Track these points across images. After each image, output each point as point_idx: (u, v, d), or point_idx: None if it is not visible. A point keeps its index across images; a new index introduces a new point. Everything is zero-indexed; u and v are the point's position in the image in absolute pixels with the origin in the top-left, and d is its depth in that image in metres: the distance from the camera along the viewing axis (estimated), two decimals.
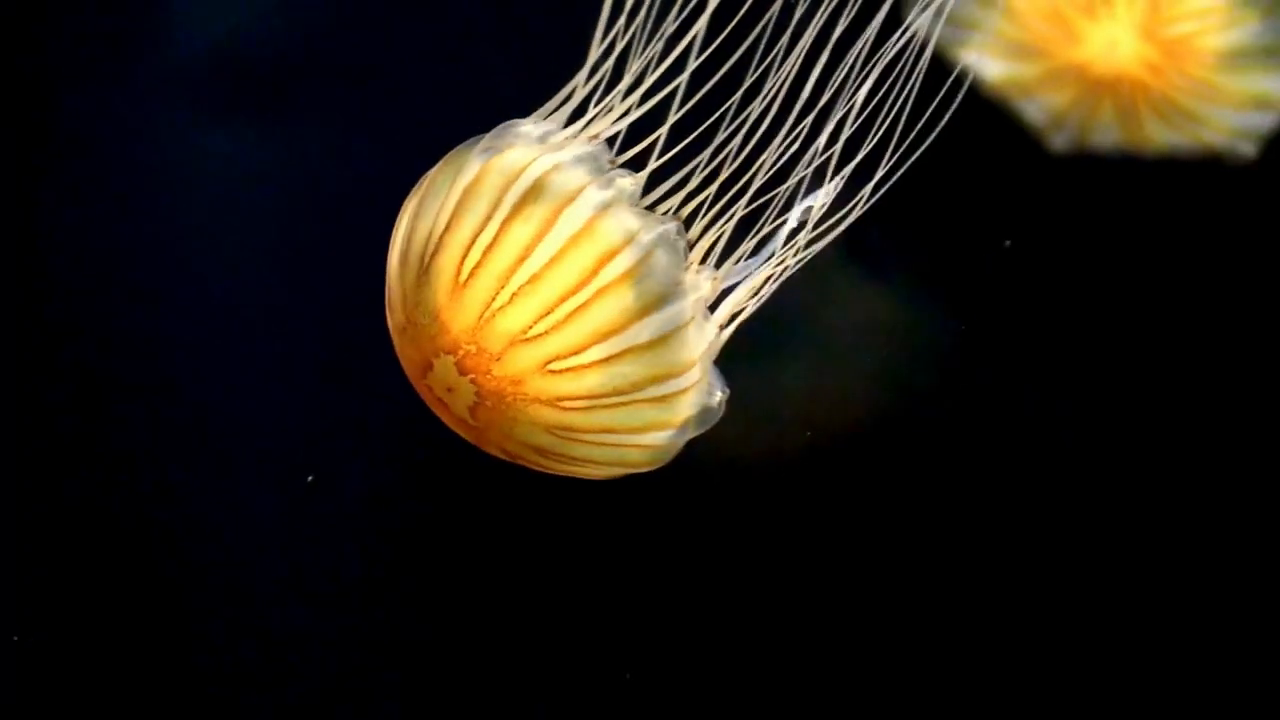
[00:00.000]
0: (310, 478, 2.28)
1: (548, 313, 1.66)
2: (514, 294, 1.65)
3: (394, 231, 1.75)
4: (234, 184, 2.30)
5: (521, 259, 1.65)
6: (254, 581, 2.34)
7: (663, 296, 1.70)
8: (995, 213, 2.36)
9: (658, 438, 1.75)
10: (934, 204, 2.34)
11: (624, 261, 1.68)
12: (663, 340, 1.71)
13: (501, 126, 1.77)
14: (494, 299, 1.65)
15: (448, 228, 1.67)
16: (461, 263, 1.67)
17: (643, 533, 2.32)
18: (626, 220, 1.69)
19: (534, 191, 1.67)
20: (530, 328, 1.67)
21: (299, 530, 2.34)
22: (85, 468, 2.32)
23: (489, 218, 1.66)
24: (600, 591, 2.34)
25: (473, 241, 1.66)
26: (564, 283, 1.66)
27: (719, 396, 1.81)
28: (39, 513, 2.32)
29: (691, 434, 1.82)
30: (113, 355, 2.30)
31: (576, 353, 1.68)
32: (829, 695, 2.34)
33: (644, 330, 1.69)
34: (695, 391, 1.74)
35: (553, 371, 1.69)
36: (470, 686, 2.35)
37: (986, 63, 2.28)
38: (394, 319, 1.73)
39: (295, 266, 2.33)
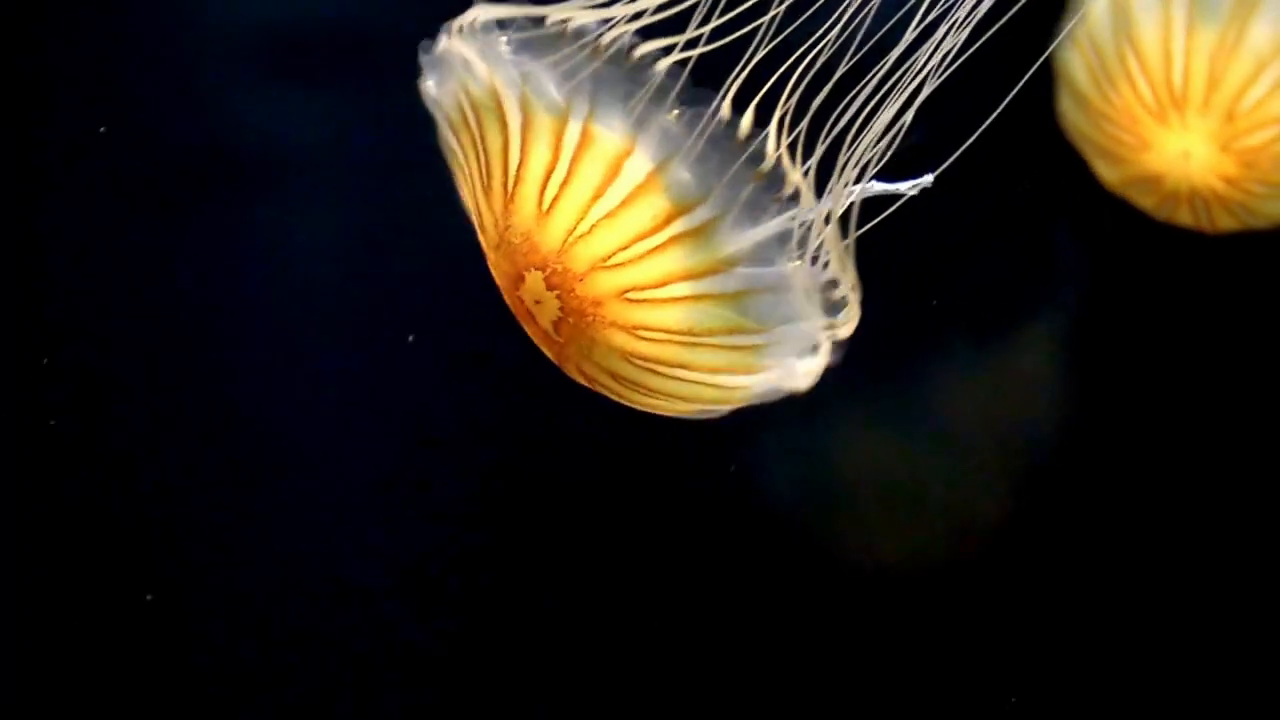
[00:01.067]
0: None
1: (625, 247, 1.68)
2: (593, 225, 1.67)
3: (466, 161, 1.75)
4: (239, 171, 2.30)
5: (595, 196, 1.66)
6: (254, 581, 2.33)
7: (753, 254, 1.70)
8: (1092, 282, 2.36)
9: (735, 381, 1.76)
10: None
11: (700, 215, 1.68)
12: (748, 294, 1.71)
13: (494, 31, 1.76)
14: (575, 227, 1.68)
15: (521, 162, 1.69)
16: (541, 194, 1.69)
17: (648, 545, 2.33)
18: (683, 174, 1.70)
19: (587, 140, 1.68)
20: (610, 257, 1.69)
21: (299, 530, 2.34)
22: (85, 468, 2.32)
23: (555, 157, 1.68)
24: (601, 593, 2.35)
25: (547, 178, 1.67)
26: (638, 224, 1.67)
27: (814, 362, 1.79)
28: (39, 513, 2.32)
29: (778, 393, 1.82)
30: (113, 355, 2.30)
31: (656, 286, 1.70)
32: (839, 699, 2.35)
33: (729, 281, 1.70)
34: (780, 349, 1.73)
35: (631, 300, 1.71)
36: (470, 686, 2.35)
37: (1095, 162, 2.19)
38: (486, 237, 1.75)
39: (296, 266, 2.33)
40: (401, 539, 2.35)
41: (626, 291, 1.70)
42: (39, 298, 2.27)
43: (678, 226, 1.68)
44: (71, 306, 2.28)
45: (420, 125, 1.77)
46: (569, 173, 1.68)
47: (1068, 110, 2.18)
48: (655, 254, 1.68)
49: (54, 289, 2.27)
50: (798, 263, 1.69)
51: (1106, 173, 2.18)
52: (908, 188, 1.72)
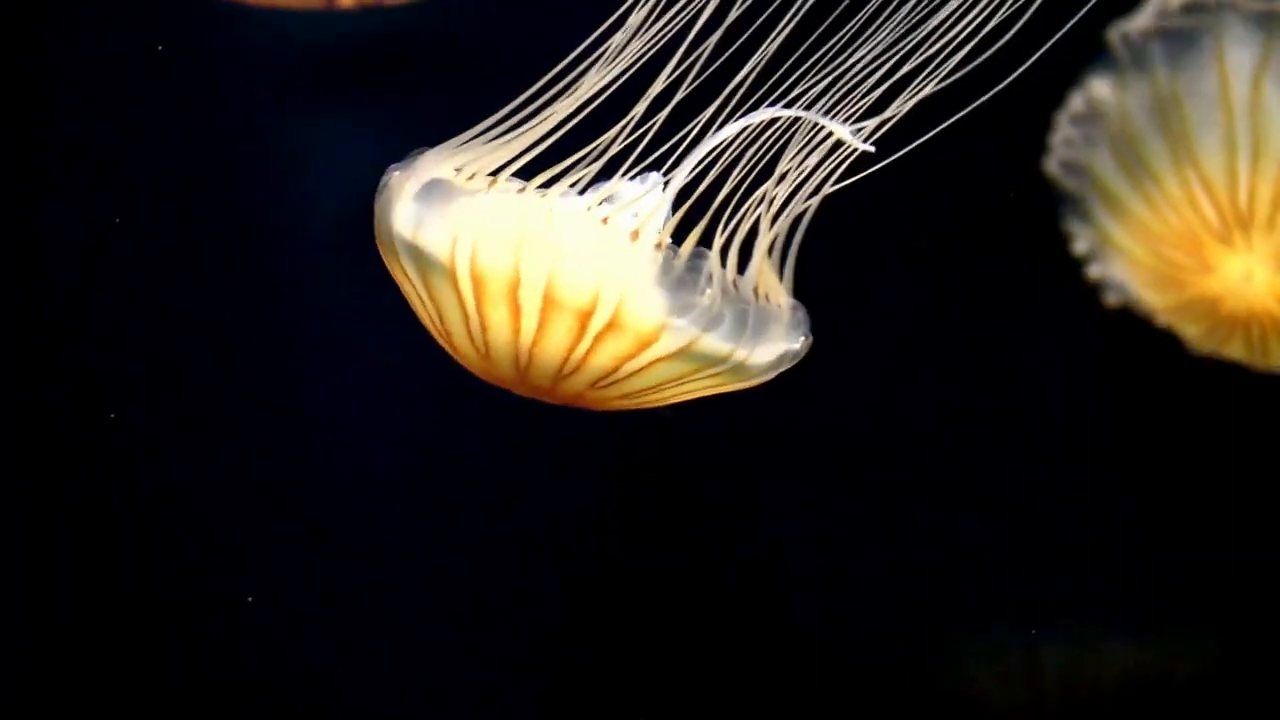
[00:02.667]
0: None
1: (603, 378, 1.73)
2: (583, 362, 1.72)
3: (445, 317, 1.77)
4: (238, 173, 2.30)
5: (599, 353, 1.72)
6: (254, 581, 2.34)
7: (675, 309, 1.72)
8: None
9: (732, 384, 1.80)
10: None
11: (668, 344, 1.71)
12: (690, 347, 1.73)
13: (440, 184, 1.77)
14: (567, 370, 1.73)
15: (537, 339, 1.72)
16: (561, 367, 1.73)
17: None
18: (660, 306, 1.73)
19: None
20: (595, 382, 1.74)
21: (299, 530, 2.34)
22: (85, 468, 2.32)
23: (578, 338, 1.72)
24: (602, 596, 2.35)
25: (568, 354, 1.71)
26: (618, 351, 1.72)
27: (794, 347, 1.81)
28: (39, 513, 2.32)
29: (772, 373, 1.84)
30: (113, 355, 2.30)
31: (614, 372, 1.73)
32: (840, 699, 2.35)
33: (671, 339, 1.72)
34: (755, 352, 1.75)
35: (602, 386, 1.74)
36: (470, 686, 2.35)
37: (1123, 285, 2.18)
38: (468, 358, 1.77)
39: (293, 265, 2.33)
40: (402, 538, 2.36)
41: (595, 384, 1.73)
42: (39, 298, 2.27)
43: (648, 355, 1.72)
44: (71, 306, 2.28)
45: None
46: (588, 351, 1.70)
47: (1111, 236, 2.17)
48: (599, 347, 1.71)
49: (54, 289, 2.27)
50: (712, 292, 1.71)
51: (1153, 296, 2.15)
52: (847, 134, 1.71)
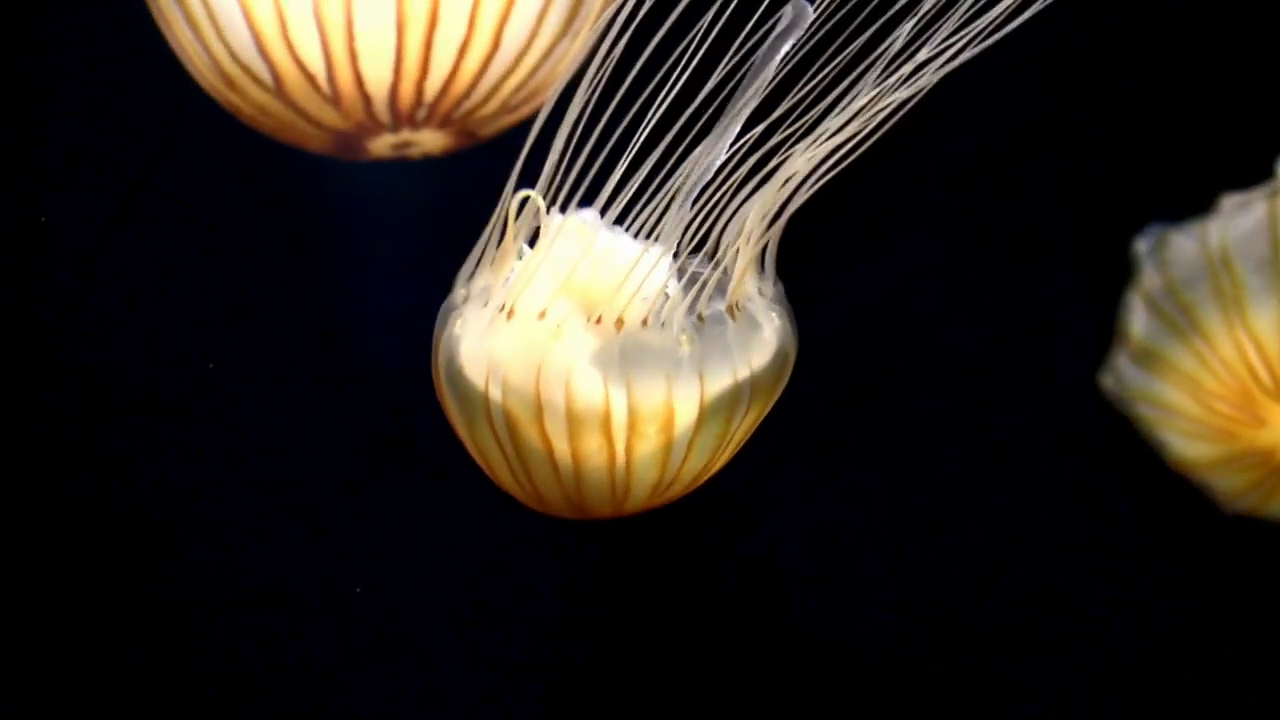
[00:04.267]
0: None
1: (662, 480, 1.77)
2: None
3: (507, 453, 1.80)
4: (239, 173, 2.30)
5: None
6: (254, 581, 2.34)
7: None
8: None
9: (764, 405, 1.82)
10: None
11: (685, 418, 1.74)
12: (711, 413, 1.76)
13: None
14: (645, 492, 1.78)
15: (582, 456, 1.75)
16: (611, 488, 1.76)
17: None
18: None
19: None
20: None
21: (299, 530, 2.34)
22: (85, 468, 2.32)
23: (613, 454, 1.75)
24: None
25: (612, 466, 1.74)
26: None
27: (774, 327, 1.82)
28: (39, 513, 2.32)
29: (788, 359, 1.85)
30: (113, 355, 2.29)
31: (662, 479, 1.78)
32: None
33: (684, 420, 1.75)
34: (759, 368, 1.77)
35: (660, 494, 1.79)
36: (470, 686, 2.35)
37: (1173, 441, 2.20)
38: (524, 491, 1.81)
39: (292, 259, 2.33)
40: (401, 537, 2.35)
41: (655, 490, 1.77)
42: (39, 298, 2.27)
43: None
44: (71, 306, 2.28)
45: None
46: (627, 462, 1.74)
47: (1147, 382, 2.18)
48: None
49: (54, 289, 2.27)
50: (686, 338, 1.73)
51: (1192, 449, 2.18)
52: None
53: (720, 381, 1.72)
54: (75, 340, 2.29)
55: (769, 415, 1.97)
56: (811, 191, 1.74)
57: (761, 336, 1.75)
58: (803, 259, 1.89)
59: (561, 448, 1.71)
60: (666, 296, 1.71)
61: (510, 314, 1.69)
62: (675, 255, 1.75)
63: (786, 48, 1.69)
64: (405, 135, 1.72)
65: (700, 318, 1.71)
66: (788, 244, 1.82)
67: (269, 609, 2.33)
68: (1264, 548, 2.25)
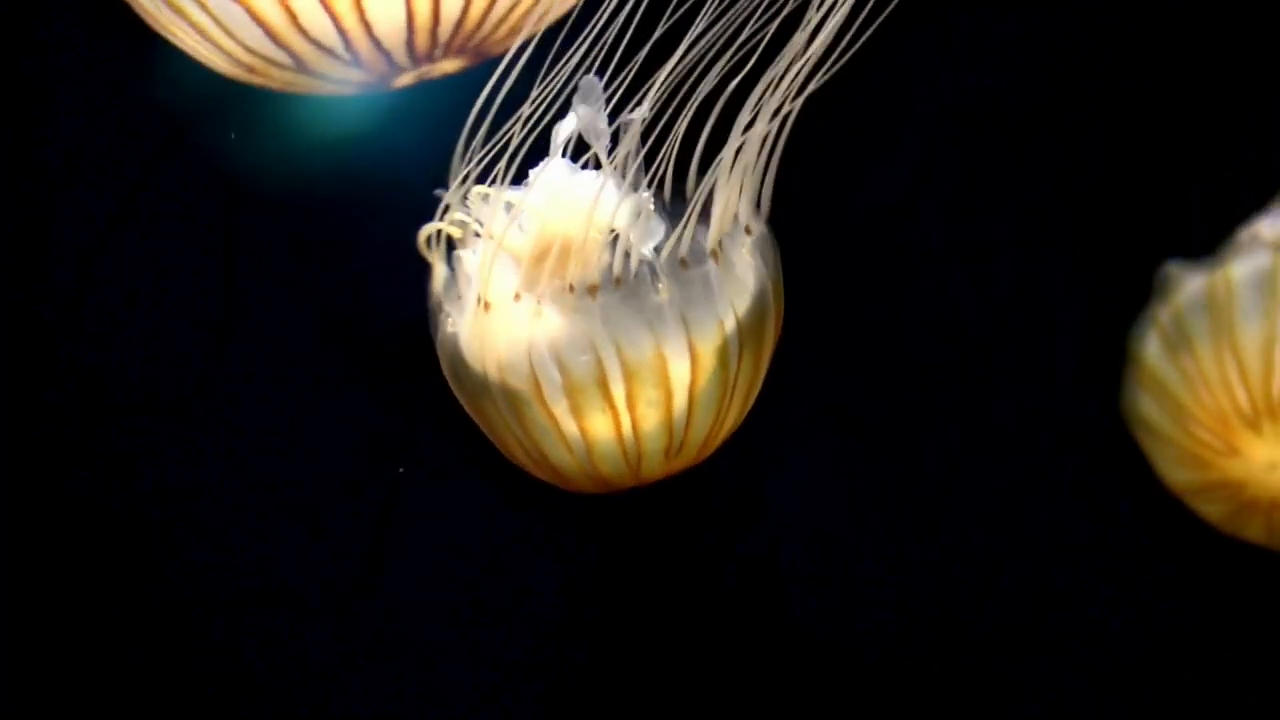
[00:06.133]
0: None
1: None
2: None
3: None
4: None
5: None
6: (254, 581, 2.33)
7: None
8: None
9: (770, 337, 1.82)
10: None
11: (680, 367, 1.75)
12: (704, 359, 1.76)
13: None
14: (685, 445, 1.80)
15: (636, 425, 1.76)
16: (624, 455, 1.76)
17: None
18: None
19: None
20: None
21: (299, 530, 2.34)
22: (85, 468, 2.32)
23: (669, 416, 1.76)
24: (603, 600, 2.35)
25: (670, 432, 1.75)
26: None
27: (750, 267, 1.82)
28: (39, 512, 2.32)
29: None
30: (113, 355, 2.29)
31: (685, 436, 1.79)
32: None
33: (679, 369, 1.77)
34: (742, 307, 1.78)
35: (674, 457, 1.79)
36: (470, 685, 2.35)
37: (1159, 464, 2.17)
38: (572, 479, 1.82)
39: (292, 266, 2.33)
40: (400, 536, 2.35)
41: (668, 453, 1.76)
42: (39, 298, 2.27)
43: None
44: (71, 306, 2.27)
45: None
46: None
47: (1142, 404, 2.16)
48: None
49: (54, 289, 2.27)
50: (663, 286, 1.73)
51: (1175, 473, 2.16)
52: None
53: (705, 324, 1.73)
54: (75, 340, 2.28)
55: (769, 416, 1.98)
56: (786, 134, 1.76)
57: (739, 277, 1.76)
58: (797, 240, 1.90)
59: (568, 423, 1.72)
60: (642, 253, 1.72)
61: (487, 306, 1.71)
62: (656, 196, 1.76)
63: (583, 116, 1.73)
64: (425, 69, 1.78)
65: (683, 261, 1.72)
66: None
67: (269, 609, 2.33)
68: (1264, 548, 2.25)
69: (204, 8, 1.67)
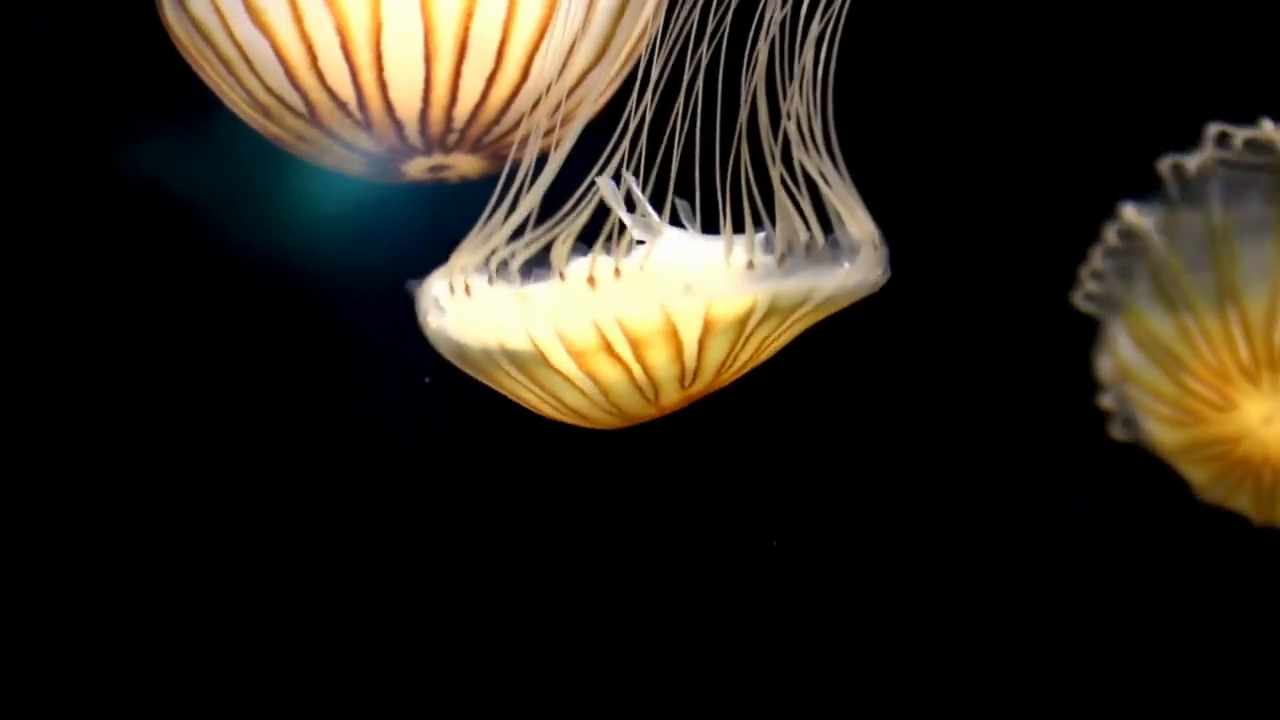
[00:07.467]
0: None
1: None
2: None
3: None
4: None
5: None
6: (254, 581, 2.34)
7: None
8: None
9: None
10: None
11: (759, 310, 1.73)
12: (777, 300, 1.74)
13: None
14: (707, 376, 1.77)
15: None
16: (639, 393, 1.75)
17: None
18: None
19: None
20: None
21: (298, 529, 2.34)
22: (85, 468, 2.31)
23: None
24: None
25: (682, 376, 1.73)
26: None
27: (871, 276, 1.82)
28: (39, 512, 2.31)
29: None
30: (112, 356, 2.29)
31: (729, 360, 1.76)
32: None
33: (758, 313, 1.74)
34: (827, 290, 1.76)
35: (689, 386, 1.76)
36: (469, 685, 2.36)
37: (1147, 423, 2.17)
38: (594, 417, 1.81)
39: (293, 265, 2.32)
40: (400, 536, 2.36)
41: (719, 370, 1.74)
42: (39, 298, 2.26)
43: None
44: (72, 306, 2.27)
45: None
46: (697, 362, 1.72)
47: (1128, 365, 2.16)
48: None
49: (54, 289, 2.26)
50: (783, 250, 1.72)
51: (1164, 434, 2.15)
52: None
53: (793, 291, 1.72)
54: (75, 340, 2.28)
55: (769, 417, 1.98)
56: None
57: (840, 267, 1.75)
58: None
59: (579, 376, 1.71)
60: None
61: (468, 290, 1.70)
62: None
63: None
64: (438, 159, 1.74)
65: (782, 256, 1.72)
66: None
67: (269, 609, 2.34)
68: (1264, 548, 2.27)
69: (231, 37, 1.66)
